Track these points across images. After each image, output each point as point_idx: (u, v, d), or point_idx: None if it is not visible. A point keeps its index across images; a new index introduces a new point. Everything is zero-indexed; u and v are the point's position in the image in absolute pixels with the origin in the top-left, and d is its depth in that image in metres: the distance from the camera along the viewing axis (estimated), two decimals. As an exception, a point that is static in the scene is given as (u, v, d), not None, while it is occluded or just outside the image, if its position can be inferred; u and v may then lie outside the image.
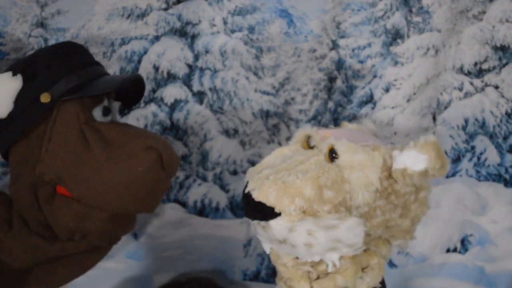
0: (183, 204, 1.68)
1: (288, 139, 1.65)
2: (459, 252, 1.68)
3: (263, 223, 1.00)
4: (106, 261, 1.62)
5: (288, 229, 0.98)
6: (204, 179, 1.69)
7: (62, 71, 1.19)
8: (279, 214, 0.98)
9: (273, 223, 0.98)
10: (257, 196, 0.98)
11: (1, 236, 1.18)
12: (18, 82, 1.17)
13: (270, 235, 1.01)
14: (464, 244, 1.68)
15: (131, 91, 1.29)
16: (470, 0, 1.61)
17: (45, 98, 1.16)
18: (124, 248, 1.66)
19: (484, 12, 1.62)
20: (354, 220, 0.98)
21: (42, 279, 1.25)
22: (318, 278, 1.07)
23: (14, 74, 1.17)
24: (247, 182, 1.03)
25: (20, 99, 1.16)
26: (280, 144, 1.67)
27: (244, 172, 1.67)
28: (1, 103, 1.16)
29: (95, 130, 1.17)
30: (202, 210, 1.69)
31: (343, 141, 1.01)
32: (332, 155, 1.01)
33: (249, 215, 1.02)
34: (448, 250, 1.69)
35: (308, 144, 1.08)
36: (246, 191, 1.01)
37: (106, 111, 1.22)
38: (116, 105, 1.27)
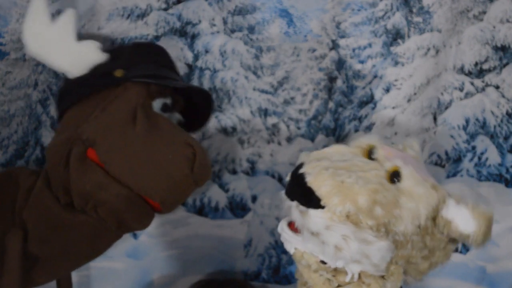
0: (183, 203, 1.68)
1: (288, 139, 1.67)
2: (460, 252, 1.68)
3: (302, 208, 0.99)
4: (105, 261, 1.64)
5: (325, 225, 0.96)
6: (204, 178, 1.68)
7: (144, 59, 1.27)
8: (322, 207, 0.97)
9: (313, 213, 0.97)
10: (311, 181, 0.97)
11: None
12: (102, 57, 1.26)
13: (304, 222, 0.98)
14: (465, 244, 1.68)
15: (197, 109, 1.36)
16: (471, 0, 1.61)
17: (118, 73, 1.23)
18: (123, 248, 1.66)
19: (484, 12, 1.61)
20: (387, 244, 0.98)
21: (54, 262, 1.26)
22: (339, 286, 1.07)
23: (104, 51, 1.26)
24: (302, 163, 1.01)
25: (96, 69, 1.24)
26: (280, 144, 1.67)
27: (244, 171, 1.69)
28: (78, 65, 1.24)
29: (146, 113, 1.20)
30: (202, 209, 1.69)
31: (410, 167, 1.01)
32: (395, 176, 1.01)
33: (291, 195, 1.00)
34: (449, 250, 1.68)
35: (369, 154, 1.07)
36: (301, 171, 0.99)
37: (165, 108, 1.26)
38: (177, 116, 1.31)
